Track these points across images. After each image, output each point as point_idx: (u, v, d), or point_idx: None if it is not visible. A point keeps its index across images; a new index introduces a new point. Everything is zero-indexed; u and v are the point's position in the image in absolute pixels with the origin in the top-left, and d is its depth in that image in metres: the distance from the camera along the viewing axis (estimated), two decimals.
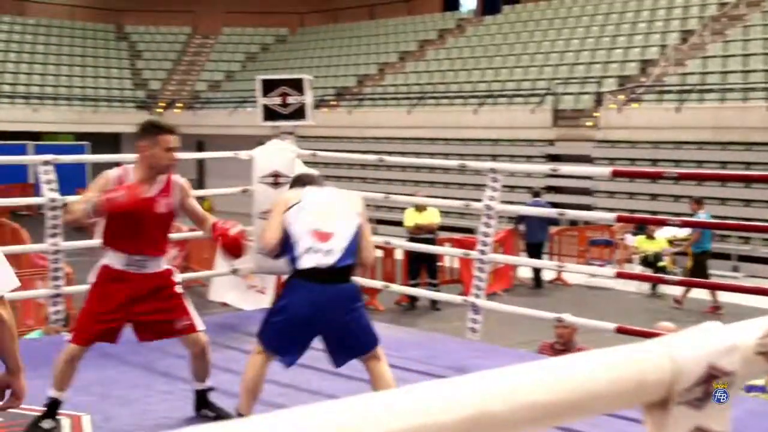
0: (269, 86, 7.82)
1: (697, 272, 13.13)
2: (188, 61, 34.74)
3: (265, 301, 8.98)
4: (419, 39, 30.05)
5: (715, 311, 12.81)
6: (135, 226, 4.60)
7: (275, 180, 7.32)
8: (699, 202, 13.22)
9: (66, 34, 33.63)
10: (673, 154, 18.88)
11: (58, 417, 4.69)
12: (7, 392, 3.11)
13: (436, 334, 8.21)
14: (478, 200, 6.54)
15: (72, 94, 30.66)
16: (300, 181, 4.88)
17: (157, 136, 4.64)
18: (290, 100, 7.73)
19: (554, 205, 16.03)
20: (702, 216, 12.75)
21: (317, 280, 4.31)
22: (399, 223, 15.84)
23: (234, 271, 7.76)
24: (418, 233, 12.90)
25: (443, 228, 14.76)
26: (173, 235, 5.80)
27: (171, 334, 4.80)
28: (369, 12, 33.41)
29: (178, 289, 4.83)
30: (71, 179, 20.18)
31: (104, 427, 4.71)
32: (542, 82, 23.04)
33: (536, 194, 15.83)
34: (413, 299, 12.98)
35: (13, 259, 13.52)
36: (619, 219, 6.53)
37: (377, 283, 9.76)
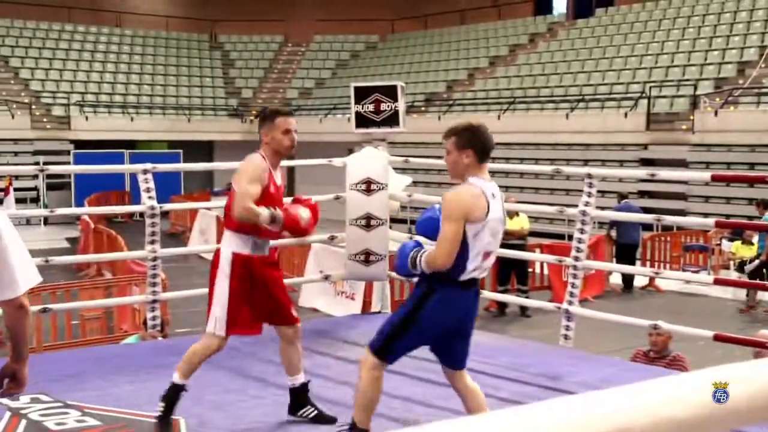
0: (362, 93, 7.84)
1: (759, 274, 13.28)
2: (280, 69, 35.18)
3: (355, 307, 9.04)
4: (510, 44, 29.86)
5: None
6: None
7: (368, 187, 7.34)
8: (765, 204, 13.64)
9: (161, 45, 34.39)
10: None
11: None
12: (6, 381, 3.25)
13: (527, 341, 8.13)
14: (570, 205, 6.46)
15: (166, 103, 31.33)
16: (484, 152, 4.17)
17: (274, 120, 4.77)
18: (383, 107, 7.74)
19: (648, 210, 15.74)
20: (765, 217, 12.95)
21: (469, 288, 4.16)
22: None
23: (326, 278, 7.80)
24: (508, 239, 12.77)
25: (533, 234, 14.61)
26: None
27: (279, 321, 4.84)
28: (459, 17, 33.33)
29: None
30: (166, 186, 20.62)
31: (199, 431, 4.78)
32: (636, 86, 22.68)
33: (623, 197, 15.49)
34: (503, 306, 12.86)
35: (110, 265, 13.88)
36: (718, 224, 6.38)
37: None
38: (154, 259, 6.47)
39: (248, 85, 34.23)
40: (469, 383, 4.41)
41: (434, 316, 4.14)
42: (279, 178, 4.86)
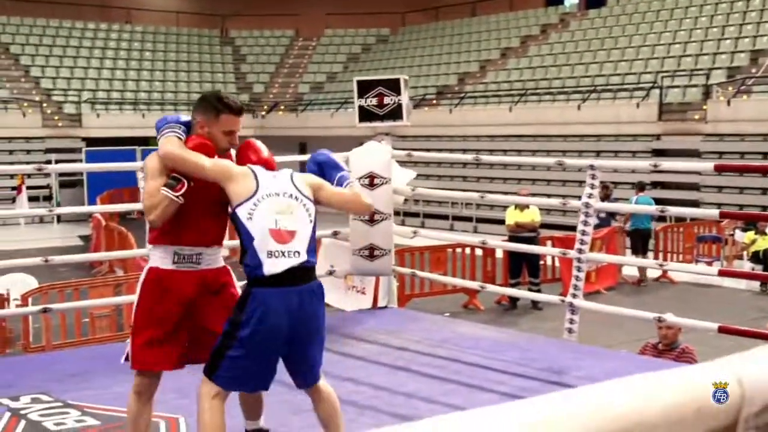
0: (365, 87, 7.80)
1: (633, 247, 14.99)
2: (291, 64, 35.13)
3: (366, 301, 9.00)
4: (522, 35, 29.73)
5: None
6: (189, 208, 3.83)
7: (371, 181, 7.29)
8: (642, 187, 15.14)
9: (172, 41, 34.39)
10: None
11: None
12: None
13: (535, 334, 8.07)
14: (574, 197, 6.40)
15: (178, 99, 31.33)
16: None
17: (219, 115, 3.87)
18: (386, 100, 7.68)
19: (660, 200, 15.63)
20: (634, 200, 14.50)
21: (288, 284, 3.71)
22: (498, 222, 15.69)
23: (330, 273, 7.76)
24: (519, 232, 12.72)
25: (547, 226, 14.54)
26: None
27: None
28: (470, 9, 33.21)
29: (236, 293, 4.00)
30: None
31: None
32: (648, 76, 22.53)
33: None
34: (514, 299, 12.80)
35: (122, 262, 13.89)
36: (723, 215, 6.30)
37: (473, 284, 9.67)
38: None
39: (259, 80, 34.20)
40: (325, 391, 4.02)
41: (255, 324, 3.67)
42: None
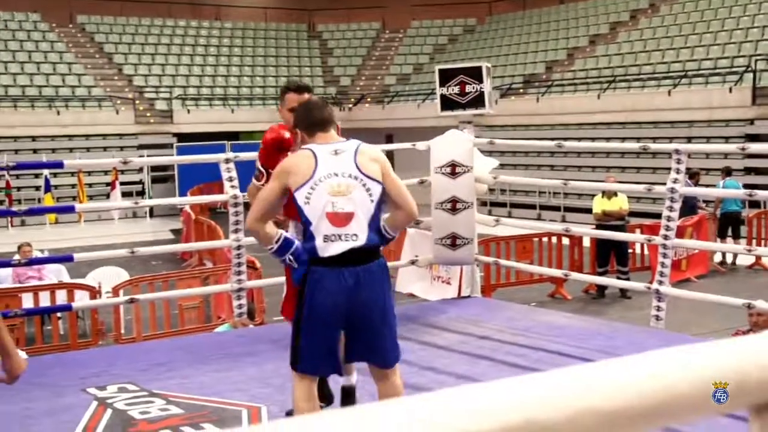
0: (447, 76, 7.78)
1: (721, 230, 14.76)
2: (377, 56, 35.20)
3: (451, 291, 8.98)
4: (611, 21, 29.24)
5: None
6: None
7: (453, 170, 7.25)
8: (728, 172, 15.13)
9: (260, 36, 34.78)
10: None
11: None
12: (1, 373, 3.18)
13: (620, 323, 7.93)
14: (659, 183, 6.26)
15: (266, 94, 31.67)
16: (310, 127, 4.07)
17: (284, 96, 4.39)
18: (468, 88, 7.64)
19: (753, 186, 15.22)
20: (721, 184, 14.47)
21: (338, 266, 3.76)
22: (586, 210, 15.47)
23: (413, 262, 7.75)
24: (606, 220, 12.51)
25: (637, 214, 14.27)
26: None
27: None
28: None
29: None
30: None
31: (281, 417, 4.77)
32: (741, 59, 21.92)
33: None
34: (602, 287, 12.60)
35: (210, 254, 14.09)
36: None
37: (557, 272, 9.55)
38: (239, 248, 6.52)
39: (346, 73, 34.36)
40: (393, 384, 3.97)
41: (312, 302, 3.78)
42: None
